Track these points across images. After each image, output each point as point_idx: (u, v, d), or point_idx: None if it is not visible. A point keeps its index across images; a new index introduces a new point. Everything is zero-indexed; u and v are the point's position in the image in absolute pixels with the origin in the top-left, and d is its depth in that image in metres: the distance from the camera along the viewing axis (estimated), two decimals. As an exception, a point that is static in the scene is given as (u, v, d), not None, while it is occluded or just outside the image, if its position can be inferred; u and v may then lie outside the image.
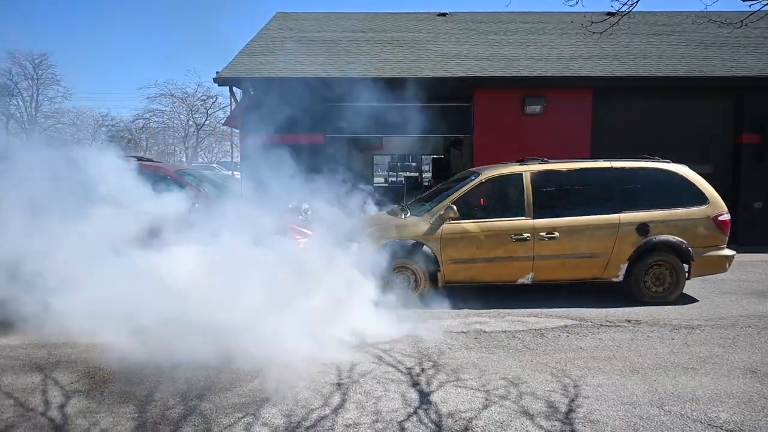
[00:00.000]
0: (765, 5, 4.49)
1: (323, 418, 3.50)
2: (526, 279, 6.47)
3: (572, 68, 11.36)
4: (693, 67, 11.36)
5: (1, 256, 4.89)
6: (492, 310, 6.12)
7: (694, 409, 3.65)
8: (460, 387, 3.99)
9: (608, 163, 6.70)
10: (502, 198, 7.05)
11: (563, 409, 3.64)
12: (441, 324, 5.57)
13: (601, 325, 5.56)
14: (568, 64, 11.60)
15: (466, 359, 4.58)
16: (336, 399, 3.77)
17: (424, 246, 6.40)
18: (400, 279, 6.39)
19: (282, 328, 4.60)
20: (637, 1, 4.71)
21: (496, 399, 3.79)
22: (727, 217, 6.57)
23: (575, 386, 4.01)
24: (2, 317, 5.10)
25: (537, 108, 11.02)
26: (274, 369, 4.23)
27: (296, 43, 13.58)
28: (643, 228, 6.41)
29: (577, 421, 3.47)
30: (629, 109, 11.26)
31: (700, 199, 6.56)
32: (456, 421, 3.47)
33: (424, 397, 3.81)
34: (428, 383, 4.06)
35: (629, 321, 5.72)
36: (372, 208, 7.60)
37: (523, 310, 6.15)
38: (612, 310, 6.15)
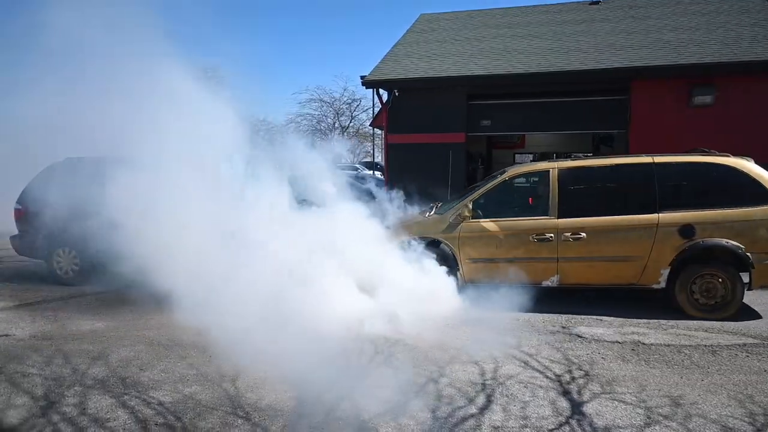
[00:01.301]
0: None
1: (469, 416, 3.48)
2: (551, 282, 6.05)
3: (754, 52, 9.93)
4: None
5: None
6: (651, 321, 5.59)
7: None
8: (616, 401, 3.70)
9: (649, 158, 6.00)
10: (528, 196, 6.65)
11: (744, 438, 3.19)
12: (592, 331, 5.23)
13: (792, 348, 4.77)
14: (749, 48, 10.16)
15: (623, 371, 4.24)
16: (481, 399, 3.72)
17: (441, 244, 6.26)
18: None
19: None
20: None
21: (659, 418, 3.45)
22: None
23: (764, 414, 3.49)
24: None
25: (707, 99, 9.86)
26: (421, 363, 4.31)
27: (440, 44, 13.70)
28: (687, 230, 5.60)
29: (763, 454, 3.03)
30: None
31: (765, 197, 5.53)
32: (613, 436, 3.22)
33: (576, 408, 3.59)
34: (579, 393, 3.83)
35: (830, 345, 4.84)
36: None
37: (687, 322, 5.52)
38: (805, 331, 5.26)
